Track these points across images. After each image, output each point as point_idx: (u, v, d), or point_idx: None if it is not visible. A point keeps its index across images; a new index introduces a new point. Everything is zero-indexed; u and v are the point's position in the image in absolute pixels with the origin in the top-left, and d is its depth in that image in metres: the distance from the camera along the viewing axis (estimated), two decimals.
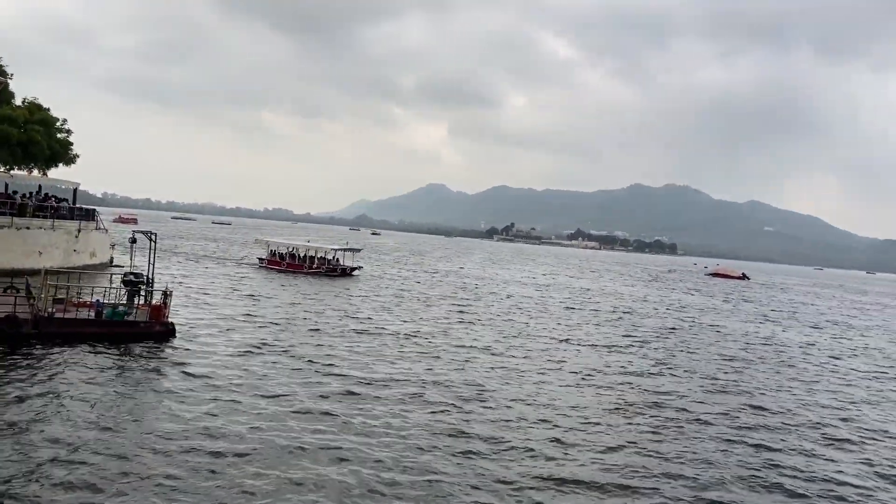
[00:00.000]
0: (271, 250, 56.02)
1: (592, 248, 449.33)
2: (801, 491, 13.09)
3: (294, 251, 55.31)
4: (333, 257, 54.89)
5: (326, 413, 15.16)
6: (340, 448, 13.00)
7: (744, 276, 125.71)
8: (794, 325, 45.55)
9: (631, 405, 18.43)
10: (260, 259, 56.60)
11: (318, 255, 54.31)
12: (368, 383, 18.17)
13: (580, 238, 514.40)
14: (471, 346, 25.48)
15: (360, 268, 57.89)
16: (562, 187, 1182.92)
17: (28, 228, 35.10)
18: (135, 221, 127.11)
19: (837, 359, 31.22)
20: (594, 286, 70.57)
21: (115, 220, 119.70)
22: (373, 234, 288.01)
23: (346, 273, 53.50)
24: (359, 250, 63.61)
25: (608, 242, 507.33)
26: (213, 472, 11.33)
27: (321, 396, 16.51)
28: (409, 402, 16.69)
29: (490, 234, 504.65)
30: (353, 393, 17.08)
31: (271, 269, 52.54)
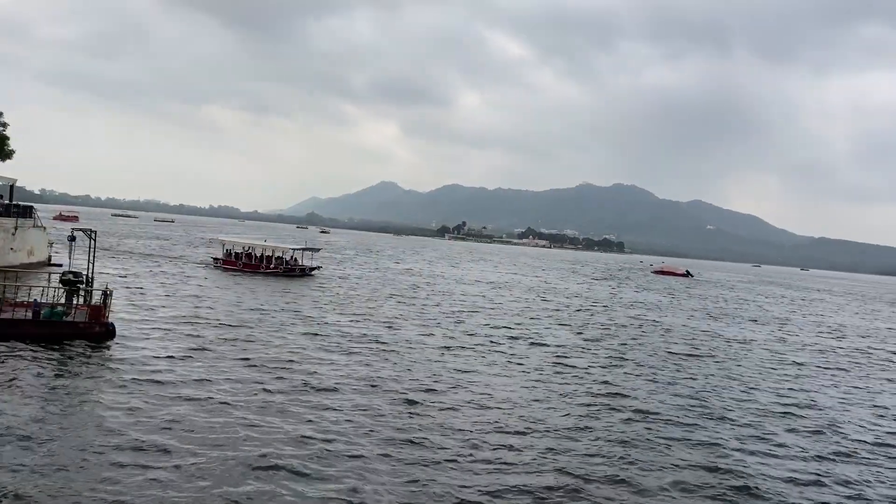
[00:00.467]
0: (226, 250, 54.29)
1: (543, 246, 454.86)
2: (749, 485, 13.54)
3: (250, 251, 53.54)
4: (291, 257, 53.67)
5: (271, 421, 14.56)
6: (284, 457, 12.47)
7: (687, 274, 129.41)
8: (736, 321, 47.14)
9: (583, 405, 18.75)
10: (215, 259, 54.96)
11: (276, 255, 52.94)
12: (317, 387, 17.76)
13: (531, 236, 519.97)
14: (423, 346, 25.50)
15: (318, 268, 56.82)
16: (513, 186, 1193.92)
17: None
18: (76, 219, 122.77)
19: (779, 353, 32.43)
20: (546, 284, 71.50)
21: (55, 218, 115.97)
22: (321, 232, 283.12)
23: (305, 273, 52.50)
24: (318, 250, 62.41)
25: (558, 241, 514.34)
26: (152, 481, 10.82)
27: (266, 402, 15.91)
28: (359, 407, 16.39)
29: (442, 232, 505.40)
30: (300, 398, 16.57)
31: (227, 269, 51.05)
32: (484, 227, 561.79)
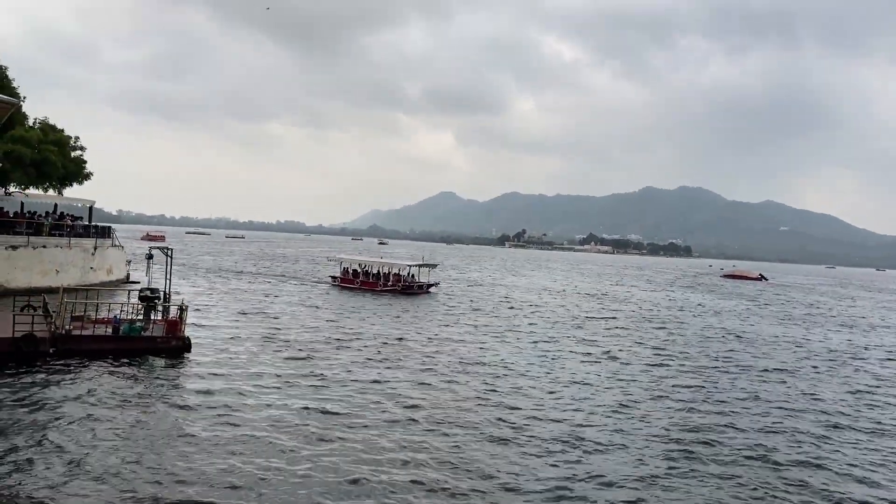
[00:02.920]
0: (344, 268, 54.78)
1: (605, 252, 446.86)
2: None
3: (367, 268, 53.44)
4: (408, 273, 52.43)
5: (347, 445, 13.61)
6: (352, 480, 11.87)
7: (761, 278, 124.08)
8: (824, 328, 44.75)
9: (672, 427, 17.92)
10: (333, 277, 55.15)
11: (393, 272, 51.75)
12: (406, 412, 16.11)
13: (592, 242, 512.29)
14: (511, 368, 24.95)
15: (436, 284, 55.56)
16: (572, 192, 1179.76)
17: (45, 247, 35.15)
18: (163, 238, 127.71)
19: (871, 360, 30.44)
20: (619, 292, 69.99)
21: (143, 238, 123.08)
22: (380, 243, 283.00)
23: (423, 290, 51.52)
24: (435, 266, 59.94)
25: (621, 246, 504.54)
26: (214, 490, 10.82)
27: (354, 426, 14.86)
28: (456, 433, 15.09)
29: (502, 241, 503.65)
30: (382, 423, 15.24)
31: (345, 287, 50.97)
32: (544, 234, 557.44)
